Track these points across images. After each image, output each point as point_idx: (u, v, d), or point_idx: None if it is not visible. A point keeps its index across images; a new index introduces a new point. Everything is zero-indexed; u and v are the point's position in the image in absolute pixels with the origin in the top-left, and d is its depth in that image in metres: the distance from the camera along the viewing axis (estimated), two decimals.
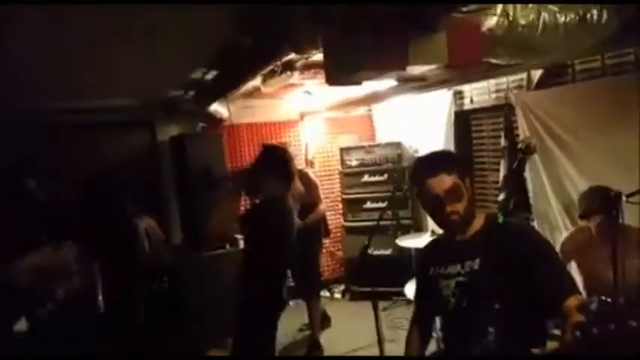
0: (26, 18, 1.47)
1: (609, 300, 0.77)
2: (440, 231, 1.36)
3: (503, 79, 2.99)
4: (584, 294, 1.93)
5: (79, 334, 2.11)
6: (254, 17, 1.66)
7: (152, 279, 2.73)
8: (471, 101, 3.38)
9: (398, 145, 3.92)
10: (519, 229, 1.27)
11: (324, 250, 4.21)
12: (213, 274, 3.11)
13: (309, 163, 4.07)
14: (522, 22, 1.38)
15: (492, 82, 3.10)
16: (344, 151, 4.10)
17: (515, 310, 1.12)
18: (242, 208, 2.51)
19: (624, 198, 1.27)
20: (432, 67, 1.30)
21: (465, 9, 1.12)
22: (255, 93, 3.55)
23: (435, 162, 1.24)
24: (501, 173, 2.86)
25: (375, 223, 2.13)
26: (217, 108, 3.62)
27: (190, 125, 3.84)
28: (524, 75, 2.79)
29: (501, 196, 2.63)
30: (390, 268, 3.41)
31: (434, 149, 1.40)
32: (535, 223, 2.77)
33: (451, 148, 3.34)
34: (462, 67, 1.87)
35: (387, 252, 3.75)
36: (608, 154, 2.28)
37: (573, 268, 2.03)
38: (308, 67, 2.58)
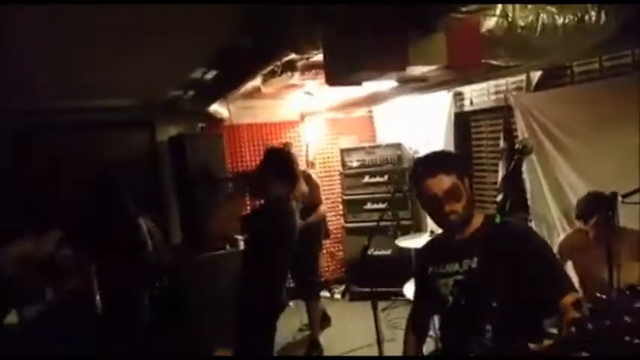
0: (26, 17, 1.47)
1: (604, 297, 0.78)
2: (439, 231, 1.37)
3: (503, 81, 3.00)
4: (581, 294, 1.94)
5: (71, 334, 2.11)
6: (254, 17, 1.67)
7: (153, 278, 2.73)
8: (471, 103, 3.39)
9: (398, 146, 3.93)
10: (517, 229, 1.28)
11: (324, 251, 4.22)
12: (213, 275, 3.11)
13: (310, 164, 4.07)
14: (521, 23, 1.39)
15: (492, 83, 3.11)
16: (344, 152, 4.11)
17: (513, 308, 1.13)
18: (246, 209, 2.52)
19: (620, 199, 1.28)
20: (432, 67, 1.31)
21: (464, 9, 1.12)
22: (255, 93, 3.56)
23: (434, 162, 1.25)
24: (500, 174, 2.87)
25: (375, 223, 2.14)
26: (217, 108, 3.62)
27: (190, 125, 3.84)
28: (523, 77, 2.80)
29: (499, 197, 2.64)
30: (390, 269, 3.41)
31: (433, 150, 1.41)
32: (533, 224, 2.78)
33: (451, 149, 3.35)
34: (461, 68, 1.88)
35: (387, 252, 3.75)
36: (606, 156, 2.29)
37: (569, 268, 2.04)
38: (309, 67, 2.59)
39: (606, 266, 1.26)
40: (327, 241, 4.13)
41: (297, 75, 2.57)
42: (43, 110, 3.14)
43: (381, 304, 3.40)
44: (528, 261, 1.15)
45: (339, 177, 4.19)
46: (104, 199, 2.57)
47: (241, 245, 3.34)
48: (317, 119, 4.30)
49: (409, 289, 2.46)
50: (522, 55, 1.55)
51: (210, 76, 2.73)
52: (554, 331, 1.10)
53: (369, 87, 2.91)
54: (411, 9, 1.19)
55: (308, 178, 3.25)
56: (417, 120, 3.78)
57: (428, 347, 1.87)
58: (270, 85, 2.83)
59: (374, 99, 3.34)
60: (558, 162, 2.60)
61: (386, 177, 3.91)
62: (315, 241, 3.32)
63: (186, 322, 3.05)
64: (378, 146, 4.05)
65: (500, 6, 1.36)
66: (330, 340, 3.21)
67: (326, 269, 4.38)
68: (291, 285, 2.88)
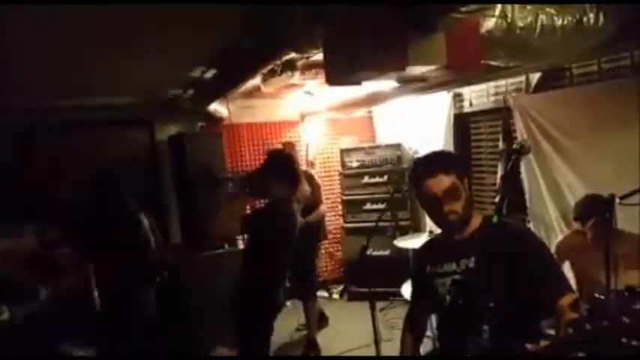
0: (26, 17, 1.47)
1: (602, 297, 0.79)
2: (438, 231, 1.37)
3: (502, 82, 3.01)
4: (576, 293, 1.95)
5: (68, 332, 2.10)
6: (254, 17, 1.67)
7: (155, 275, 2.73)
8: (470, 104, 3.39)
9: (398, 146, 3.93)
10: (516, 229, 1.28)
11: (323, 251, 4.22)
12: (212, 273, 3.11)
13: (310, 164, 4.08)
14: (520, 24, 1.40)
15: (491, 85, 3.12)
16: (344, 152, 4.12)
17: (510, 308, 1.13)
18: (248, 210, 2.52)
19: (617, 200, 1.29)
20: (432, 67, 1.31)
21: (463, 9, 1.13)
22: (255, 92, 3.56)
23: (433, 162, 1.25)
24: (499, 175, 2.88)
25: (374, 224, 2.14)
26: (217, 107, 3.62)
27: (190, 124, 3.84)
28: (522, 78, 2.81)
29: (497, 198, 2.64)
30: (389, 269, 3.41)
31: (433, 150, 1.41)
32: (530, 225, 2.79)
33: (450, 150, 3.35)
34: (461, 68, 1.89)
35: (386, 253, 3.76)
36: (605, 158, 2.30)
37: (567, 269, 2.05)
38: (309, 67, 2.59)
39: (603, 268, 1.27)
40: (326, 242, 4.13)
41: (297, 74, 2.57)
42: (43, 109, 3.14)
43: (379, 304, 3.39)
44: (526, 261, 1.16)
45: (338, 177, 4.20)
46: (104, 198, 2.57)
47: (240, 244, 3.35)
48: (317, 119, 4.31)
49: (407, 290, 2.46)
50: (521, 55, 1.56)
51: (209, 75, 2.73)
52: (552, 332, 1.11)
53: (369, 87, 2.92)
54: (410, 9, 1.20)
55: (310, 178, 3.26)
56: (416, 121, 3.79)
57: (425, 347, 1.87)
58: (270, 85, 2.84)
59: (374, 99, 3.34)
60: (557, 163, 2.61)
61: (385, 177, 3.91)
62: (314, 241, 3.32)
63: (185, 320, 3.05)
64: (378, 147, 4.06)
65: (499, 6, 1.36)
66: (327, 340, 3.22)
67: (324, 269, 4.38)
68: (288, 285, 2.88)
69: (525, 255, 1.17)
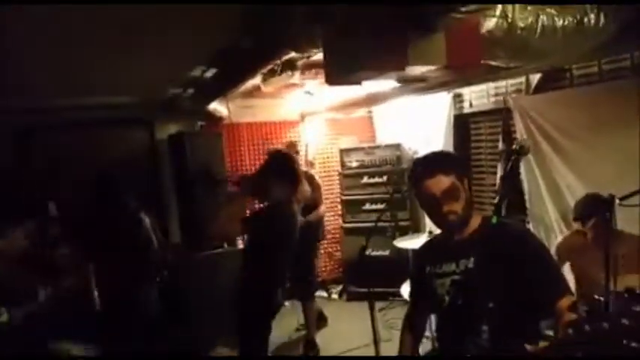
0: (26, 17, 1.47)
1: (601, 299, 0.79)
2: (438, 232, 1.37)
3: (503, 83, 3.00)
4: (576, 294, 1.95)
5: (68, 332, 2.10)
6: (254, 16, 1.67)
7: (157, 274, 2.74)
8: (470, 105, 3.39)
9: (397, 147, 3.93)
10: (515, 230, 1.28)
11: (322, 251, 4.22)
12: (212, 273, 3.11)
13: (310, 164, 4.08)
14: (521, 24, 1.40)
15: (491, 85, 3.12)
16: (344, 152, 4.12)
17: (510, 309, 1.13)
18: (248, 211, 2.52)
19: (617, 201, 1.28)
20: (432, 67, 1.31)
21: (464, 9, 1.13)
22: (255, 92, 3.56)
23: (432, 163, 1.25)
24: (498, 176, 2.88)
25: (373, 224, 2.14)
26: (217, 107, 3.62)
27: (189, 123, 3.84)
28: (522, 79, 2.81)
29: (497, 199, 2.64)
30: (388, 269, 3.41)
31: (433, 151, 1.41)
32: (530, 226, 2.79)
33: (450, 150, 3.35)
34: (461, 68, 1.88)
35: (385, 253, 3.76)
36: (605, 159, 2.30)
37: (566, 270, 2.05)
38: (309, 67, 2.59)
39: (603, 268, 1.27)
40: (325, 242, 4.14)
41: (297, 74, 2.57)
42: (43, 109, 3.14)
43: (379, 305, 3.40)
44: (525, 262, 1.15)
45: (338, 177, 4.19)
46: (105, 197, 2.57)
47: (239, 244, 3.34)
48: (317, 119, 4.30)
49: (406, 290, 2.46)
50: (522, 56, 1.56)
51: (209, 74, 2.72)
52: (550, 332, 1.11)
53: (369, 87, 2.92)
54: (410, 9, 1.20)
55: (311, 179, 3.26)
56: (416, 121, 3.79)
57: (425, 347, 1.87)
58: (270, 84, 2.83)
59: (374, 99, 3.34)
60: (556, 164, 2.61)
61: (385, 178, 3.91)
62: (313, 241, 3.32)
63: (185, 320, 3.04)
64: (378, 147, 4.06)
65: (500, 7, 1.36)
66: (326, 340, 3.21)
67: (324, 269, 4.38)
68: (288, 285, 2.88)
69: (525, 256, 1.17)
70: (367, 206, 3.98)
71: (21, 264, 2.05)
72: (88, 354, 2.07)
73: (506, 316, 1.13)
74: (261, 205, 2.34)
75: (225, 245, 3.40)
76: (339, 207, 4.22)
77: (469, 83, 2.90)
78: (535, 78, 2.74)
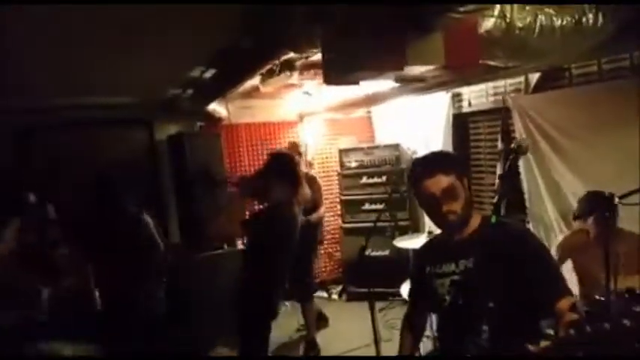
0: (26, 17, 1.47)
1: (602, 299, 0.79)
2: (437, 232, 1.37)
3: (501, 83, 3.01)
4: (579, 292, 1.95)
5: (69, 332, 2.09)
6: (253, 16, 1.67)
7: (162, 276, 2.75)
8: (469, 104, 3.40)
9: (396, 147, 3.93)
10: (515, 230, 1.28)
11: (322, 252, 4.22)
12: (212, 274, 3.11)
13: (309, 164, 4.08)
14: (519, 24, 1.40)
15: (490, 85, 3.12)
16: (343, 152, 4.12)
17: (510, 309, 1.13)
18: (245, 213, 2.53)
19: (617, 200, 1.29)
20: (430, 67, 1.31)
21: (462, 9, 1.13)
22: (254, 93, 3.56)
23: (432, 162, 1.25)
24: (498, 176, 2.88)
25: (373, 224, 2.14)
26: (216, 107, 3.62)
27: (189, 124, 3.83)
28: (522, 78, 2.81)
29: (496, 198, 2.65)
30: (388, 269, 3.41)
31: (432, 151, 1.41)
32: (530, 225, 2.79)
33: (449, 150, 3.35)
34: (459, 68, 1.89)
35: (385, 253, 3.76)
36: (604, 158, 2.30)
37: (569, 268, 2.05)
38: (307, 67, 2.59)
39: (604, 266, 1.27)
40: (325, 242, 4.13)
41: (295, 75, 2.57)
42: (43, 109, 3.13)
43: (379, 305, 3.39)
44: (525, 262, 1.16)
45: (337, 177, 4.19)
46: (107, 198, 2.57)
47: (239, 245, 3.34)
48: (316, 119, 4.30)
49: (406, 290, 2.46)
50: (520, 56, 1.56)
51: (208, 74, 2.72)
52: (551, 331, 1.11)
53: (368, 87, 2.92)
54: (408, 9, 1.20)
55: (312, 180, 3.27)
56: (415, 121, 3.79)
57: (426, 347, 1.87)
58: (268, 85, 2.83)
59: (373, 99, 3.34)
60: (555, 164, 2.61)
61: (384, 178, 3.91)
62: (312, 242, 3.31)
63: (185, 320, 3.04)
64: (377, 147, 4.06)
65: (498, 7, 1.36)
66: (327, 341, 3.21)
67: (323, 270, 4.38)
68: (286, 286, 2.89)
69: (524, 256, 1.17)
70: (366, 206, 3.98)
71: (19, 264, 2.04)
72: (88, 354, 2.06)
73: (506, 315, 1.13)
74: (261, 207, 2.34)
75: (225, 246, 3.40)
76: (339, 207, 4.22)
77: (468, 83, 2.90)
78: (534, 77, 2.74)
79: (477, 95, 3.33)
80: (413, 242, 2.87)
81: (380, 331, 1.63)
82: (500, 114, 2.98)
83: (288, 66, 2.43)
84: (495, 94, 3.14)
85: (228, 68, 2.47)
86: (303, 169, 3.32)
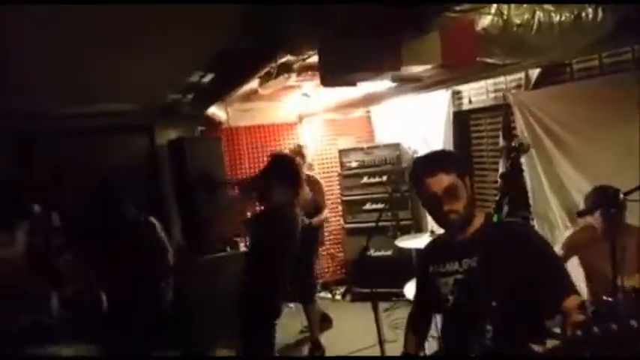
0: (26, 22, 1.47)
1: (610, 299, 0.77)
2: (440, 231, 1.36)
3: (502, 79, 2.99)
4: (586, 289, 1.93)
5: (75, 336, 2.09)
6: (249, 19, 1.67)
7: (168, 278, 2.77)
8: (470, 101, 3.38)
9: (397, 146, 3.92)
10: (518, 228, 1.27)
11: (324, 252, 4.21)
12: (214, 277, 3.11)
13: (309, 166, 4.07)
14: (517, 21, 1.38)
15: (490, 82, 3.10)
16: (343, 152, 4.11)
17: (513, 308, 1.12)
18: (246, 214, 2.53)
19: (621, 196, 1.27)
20: (427, 67, 1.31)
21: (458, 8, 1.12)
22: (253, 96, 3.56)
23: (433, 162, 1.24)
24: (502, 171, 2.86)
25: (374, 224, 2.14)
26: (215, 111, 3.63)
27: (189, 129, 3.85)
28: (522, 74, 2.79)
29: (498, 197, 2.64)
30: (391, 269, 3.40)
31: (433, 150, 1.41)
32: (535, 222, 2.77)
33: (450, 148, 3.33)
34: (456, 67, 1.88)
35: (388, 253, 3.75)
36: (607, 153, 2.28)
37: (575, 264, 2.03)
38: (305, 68, 2.59)
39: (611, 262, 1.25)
40: (327, 243, 4.13)
41: (293, 76, 2.57)
42: (44, 116, 3.15)
43: (383, 305, 3.39)
44: (529, 261, 1.14)
45: (337, 178, 4.19)
46: (108, 205, 2.59)
47: (242, 247, 3.35)
48: (315, 120, 4.30)
49: (409, 290, 2.45)
50: (518, 53, 1.55)
51: (207, 79, 2.72)
52: (558, 330, 1.09)
53: (367, 87, 2.91)
54: (405, 9, 1.19)
55: (315, 184, 3.27)
56: (415, 119, 3.77)
57: (431, 347, 1.86)
58: (267, 87, 2.83)
59: (372, 99, 3.33)
60: (558, 159, 2.59)
61: (385, 177, 3.90)
62: (312, 244, 3.31)
63: (187, 323, 3.04)
64: (377, 146, 4.04)
65: (494, 4, 1.35)
66: (331, 342, 3.21)
67: (326, 270, 4.38)
68: (287, 287, 2.89)
69: (528, 254, 1.16)
70: (368, 206, 3.97)
71: (29, 268, 2.06)
72: (89, 354, 2.07)
73: (510, 315, 1.12)
74: (262, 208, 2.34)
75: (228, 249, 3.40)
76: (340, 208, 4.21)
77: (467, 80, 2.88)
78: (535, 73, 2.72)
79: (477, 92, 3.31)
80: (415, 242, 2.86)
81: (385, 331, 1.61)
82: (501, 111, 2.96)
83: (286, 68, 2.43)
84: (496, 91, 3.12)
85: (227, 72, 2.47)
86: (306, 172, 3.33)
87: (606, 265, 1.38)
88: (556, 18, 1.44)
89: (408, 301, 2.77)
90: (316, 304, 3.29)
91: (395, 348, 1.64)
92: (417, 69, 1.30)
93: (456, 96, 3.46)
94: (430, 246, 1.43)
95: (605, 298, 0.82)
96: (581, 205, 2.01)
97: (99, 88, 2.65)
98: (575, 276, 1.71)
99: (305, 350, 3.17)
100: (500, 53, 1.50)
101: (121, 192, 2.65)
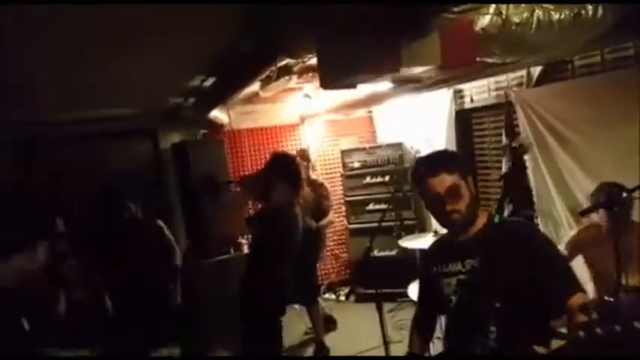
0: (27, 27, 1.48)
1: (612, 300, 0.77)
2: (443, 231, 1.36)
3: (503, 77, 2.97)
4: (592, 287, 1.91)
5: (81, 341, 2.11)
6: (249, 20, 1.67)
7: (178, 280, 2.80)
8: (472, 100, 3.37)
9: (399, 146, 3.91)
10: (521, 228, 1.27)
11: (329, 253, 4.21)
12: (219, 279, 3.12)
13: (311, 167, 4.07)
14: (516, 20, 1.38)
15: (492, 80, 3.09)
16: (345, 153, 4.11)
17: (517, 309, 1.11)
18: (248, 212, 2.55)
19: (624, 194, 1.26)
20: (426, 68, 1.30)
21: (456, 9, 1.12)
22: (254, 98, 3.57)
23: (435, 162, 1.24)
24: (503, 171, 2.85)
25: (378, 224, 2.13)
26: (217, 114, 3.64)
27: (192, 132, 3.87)
28: (523, 72, 2.78)
29: (499, 197, 2.62)
30: (395, 269, 3.39)
31: (435, 149, 1.40)
32: (539, 221, 2.75)
33: (453, 147, 3.33)
34: (455, 68, 1.87)
35: (392, 253, 3.74)
36: (609, 149, 2.26)
37: (580, 263, 2.01)
38: (306, 70, 2.59)
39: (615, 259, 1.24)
40: (331, 244, 4.13)
41: (294, 78, 2.57)
42: (45, 122, 3.17)
43: (388, 306, 3.38)
44: (532, 261, 1.14)
45: (340, 179, 4.19)
46: (113, 210, 2.62)
47: (245, 250, 3.36)
48: (317, 121, 4.30)
49: (413, 290, 2.44)
50: (517, 51, 1.54)
51: (208, 82, 2.74)
52: (564, 330, 1.08)
53: (368, 87, 2.91)
54: (403, 11, 1.19)
55: (320, 187, 3.27)
56: (417, 119, 3.77)
57: (436, 348, 1.85)
58: (268, 90, 2.84)
59: (373, 99, 3.33)
60: (561, 157, 2.57)
61: (387, 177, 3.89)
62: (316, 246, 3.31)
63: (192, 325, 3.06)
64: (379, 146, 4.04)
65: (493, 4, 1.34)
66: (336, 342, 3.20)
67: (330, 271, 4.38)
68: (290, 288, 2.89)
69: (531, 253, 1.15)
70: (371, 206, 3.97)
71: (44, 276, 2.09)
72: (90, 354, 2.08)
73: (514, 315, 1.11)
74: (262, 206, 2.34)
75: (232, 251, 3.41)
76: (343, 208, 4.21)
77: (469, 79, 2.87)
78: (536, 70, 2.70)
79: (478, 91, 3.30)
80: (419, 242, 2.85)
81: (389, 332, 1.61)
82: (503, 109, 2.95)
83: (286, 71, 2.43)
84: (497, 89, 3.11)
85: (228, 75, 2.48)
86: (311, 175, 3.34)
87: (611, 264, 1.38)
88: (555, 16, 1.44)
89: (413, 301, 2.75)
90: (320, 305, 3.29)
91: (400, 349, 1.64)
92: (416, 70, 1.29)
93: (458, 95, 3.45)
94: (433, 246, 1.43)
95: (606, 298, 0.81)
96: (586, 204, 1.99)
97: (101, 94, 2.67)
98: (580, 275, 1.70)
99: (310, 351, 3.17)
100: (499, 52, 1.50)
101: (128, 196, 2.68)
